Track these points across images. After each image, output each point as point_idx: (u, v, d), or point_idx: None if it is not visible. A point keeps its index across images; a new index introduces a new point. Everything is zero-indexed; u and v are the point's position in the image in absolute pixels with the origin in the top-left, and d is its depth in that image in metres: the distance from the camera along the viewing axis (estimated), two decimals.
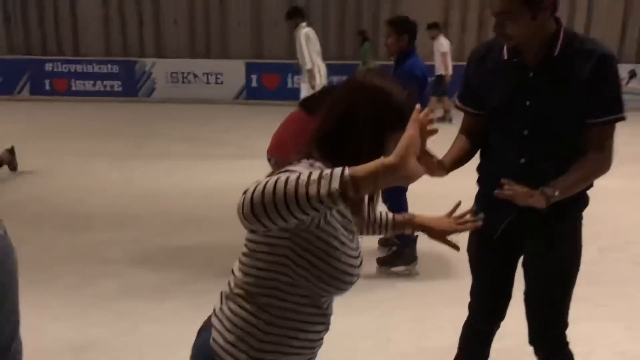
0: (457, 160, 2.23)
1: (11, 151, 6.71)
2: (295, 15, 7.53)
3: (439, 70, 10.51)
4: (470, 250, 2.42)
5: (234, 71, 12.99)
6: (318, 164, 1.38)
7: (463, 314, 2.93)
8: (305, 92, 7.29)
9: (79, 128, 10.02)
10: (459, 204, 1.88)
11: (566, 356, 2.32)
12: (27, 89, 13.43)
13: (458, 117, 2.41)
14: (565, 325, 2.29)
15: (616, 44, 12.63)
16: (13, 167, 6.77)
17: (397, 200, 4.15)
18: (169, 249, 4.72)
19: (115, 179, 6.84)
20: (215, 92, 12.91)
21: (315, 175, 1.13)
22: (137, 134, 9.60)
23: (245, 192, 1.18)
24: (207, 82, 13.24)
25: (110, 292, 3.96)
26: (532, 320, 2.31)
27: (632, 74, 12.44)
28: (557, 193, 1.98)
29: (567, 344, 2.31)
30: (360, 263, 1.49)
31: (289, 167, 1.35)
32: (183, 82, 13.36)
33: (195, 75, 13.28)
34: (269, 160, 4.25)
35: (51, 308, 3.74)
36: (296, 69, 8.69)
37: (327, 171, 1.14)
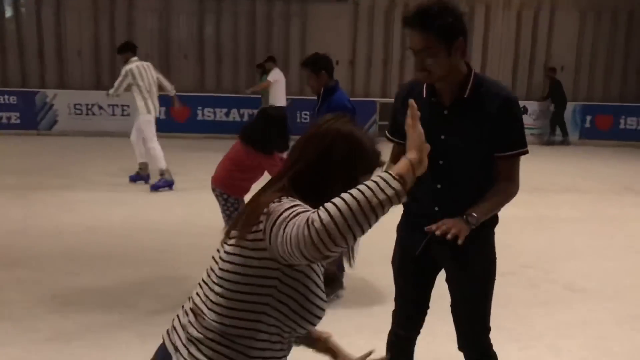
0: None
1: None
2: (126, 50, 7.89)
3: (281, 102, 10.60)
4: (393, 263, 2.67)
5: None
6: (297, 201, 1.44)
7: (373, 342, 2.98)
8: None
9: None
10: (370, 352, 1.88)
11: (492, 357, 2.59)
12: None
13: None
14: (487, 329, 2.56)
15: (508, 82, 13.60)
16: None
17: None
18: (70, 288, 4.50)
19: (13, 216, 6.46)
20: (122, 124, 12.55)
21: (372, 185, 1.29)
22: (38, 167, 9.15)
23: (307, 225, 1.25)
24: (113, 114, 12.86)
25: (3, 337, 3.71)
26: (459, 328, 2.58)
27: (524, 110, 13.37)
28: (477, 218, 2.25)
29: (491, 346, 2.58)
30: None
31: (281, 206, 1.40)
32: (87, 114, 12.91)
33: (100, 107, 12.88)
34: (214, 190, 4.31)
35: None
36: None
37: (377, 179, 1.31)
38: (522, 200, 7.16)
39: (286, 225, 1.31)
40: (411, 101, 1.49)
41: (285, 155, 4.35)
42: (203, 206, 5.78)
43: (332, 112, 4.37)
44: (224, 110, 13.24)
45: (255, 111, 10.02)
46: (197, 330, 1.48)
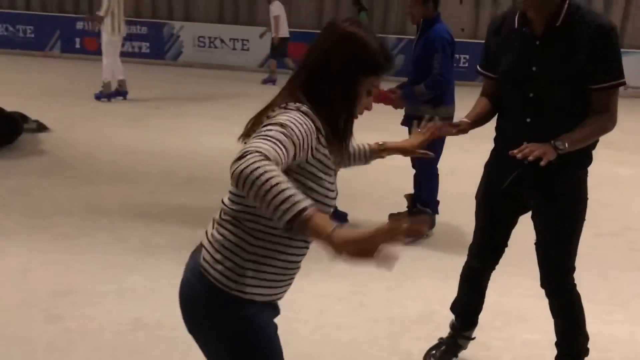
0: (479, 118, 2.48)
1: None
2: None
3: (285, 32, 10.91)
4: (477, 197, 2.68)
5: (260, 39, 12.97)
6: (305, 107, 1.49)
7: (440, 285, 2.96)
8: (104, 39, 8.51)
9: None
10: (417, 123, 2.17)
11: (573, 296, 2.58)
12: (58, 47, 13.67)
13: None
14: (572, 268, 2.53)
15: None
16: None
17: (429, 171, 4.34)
18: (166, 206, 4.83)
19: (126, 137, 6.98)
20: (241, 58, 12.93)
21: (283, 195, 1.23)
22: (158, 95, 9.73)
23: (237, 161, 1.29)
24: (234, 49, 13.27)
25: (100, 243, 4.08)
26: (542, 264, 2.56)
27: None
28: (566, 145, 2.18)
29: (574, 286, 2.56)
30: (336, 195, 1.63)
31: (279, 115, 1.46)
32: (210, 47, 13.42)
33: (222, 41, 13.32)
34: None
35: (43, 253, 3.89)
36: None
37: (294, 197, 1.24)
38: (633, 159, 6.68)
39: (249, 141, 1.37)
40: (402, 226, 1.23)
41: None
42: None
43: (430, 44, 4.23)
44: None
45: None
46: (219, 216, 1.61)
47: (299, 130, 1.42)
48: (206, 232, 1.64)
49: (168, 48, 13.57)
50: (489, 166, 2.62)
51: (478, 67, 2.61)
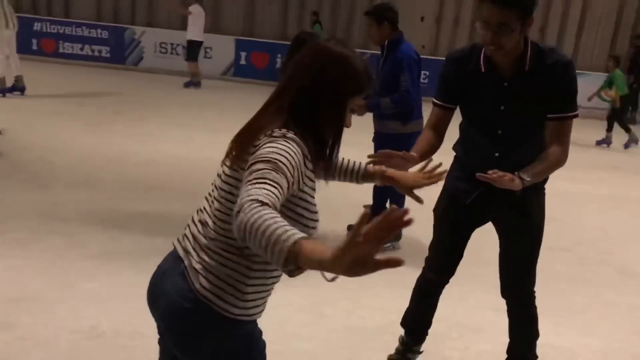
0: (424, 153, 2.45)
1: None
2: None
3: (195, 36, 11.17)
4: (437, 209, 2.76)
5: (223, 47, 12.95)
6: (290, 134, 1.49)
7: (398, 296, 2.99)
8: None
9: (60, 90, 9.99)
10: (429, 160, 2.08)
11: (533, 308, 2.70)
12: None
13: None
14: (533, 280, 2.66)
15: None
16: None
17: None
18: (125, 213, 4.76)
19: (84, 142, 6.85)
20: (204, 66, 12.87)
21: (271, 244, 1.19)
22: (117, 100, 9.59)
23: (238, 214, 1.27)
24: None
25: (56, 249, 4.00)
26: (506, 275, 2.68)
27: None
28: (529, 179, 2.31)
29: (534, 297, 2.69)
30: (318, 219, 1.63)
31: (267, 147, 1.44)
32: (171, 53, 13.32)
33: (184, 47, 13.23)
34: None
35: None
36: None
37: (280, 243, 1.18)
38: (593, 177, 6.94)
39: (250, 179, 1.36)
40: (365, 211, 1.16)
41: None
42: None
43: (398, 64, 4.34)
44: None
45: None
46: (205, 239, 1.57)
47: (290, 165, 1.42)
48: (188, 253, 1.59)
49: (129, 53, 13.40)
50: (450, 179, 2.67)
51: (434, 99, 2.61)
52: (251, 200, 1.27)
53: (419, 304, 2.89)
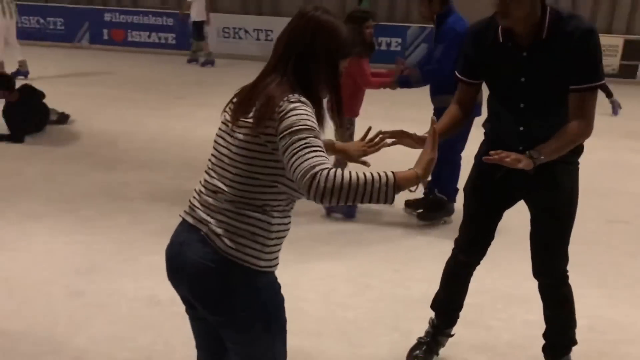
0: (446, 130, 2.47)
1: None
2: None
3: (197, 17, 11.63)
4: (467, 187, 2.69)
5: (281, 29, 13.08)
6: (303, 98, 1.64)
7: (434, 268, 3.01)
8: None
9: (128, 77, 10.44)
10: (369, 129, 2.17)
11: (566, 286, 2.60)
12: (87, 38, 13.99)
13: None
14: (567, 259, 2.55)
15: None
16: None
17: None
18: (184, 192, 4.98)
19: (149, 126, 7.17)
20: (265, 49, 13.04)
21: (376, 183, 1.53)
22: (181, 85, 9.93)
23: (312, 178, 1.49)
24: (257, 39, 13.41)
25: (120, 225, 4.28)
26: (536, 255, 2.58)
27: None
28: (542, 157, 2.19)
29: (567, 276, 2.58)
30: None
31: (295, 114, 1.59)
32: (234, 37, 13.57)
33: (246, 31, 13.47)
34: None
35: (66, 235, 4.10)
36: None
37: (383, 181, 1.54)
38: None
39: (296, 159, 1.53)
40: (433, 119, 1.75)
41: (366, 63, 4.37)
42: None
43: (442, 38, 4.31)
44: None
45: None
46: (223, 203, 1.69)
47: (315, 124, 1.61)
48: (203, 221, 1.71)
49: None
50: (480, 158, 2.56)
51: (457, 73, 2.57)
52: (321, 169, 1.50)
53: (449, 287, 2.82)
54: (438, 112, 4.41)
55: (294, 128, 1.56)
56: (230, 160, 1.70)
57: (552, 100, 2.34)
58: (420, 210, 4.57)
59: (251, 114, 1.67)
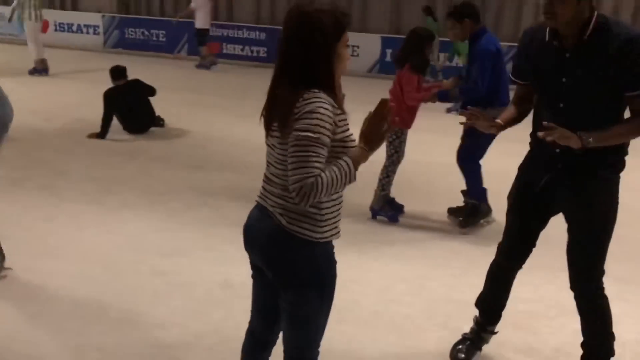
0: (509, 121, 2.71)
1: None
2: None
3: (202, 25, 12.50)
4: (510, 197, 2.82)
5: (370, 45, 13.41)
6: (316, 92, 1.85)
7: (465, 269, 3.15)
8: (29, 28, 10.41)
9: (222, 86, 11.11)
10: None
11: (602, 299, 2.66)
12: (186, 50, 14.92)
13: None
14: (602, 272, 2.61)
15: None
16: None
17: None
18: None
19: (236, 131, 7.66)
20: (351, 64, 13.43)
21: (344, 172, 1.88)
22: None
23: (300, 191, 1.83)
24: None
25: (203, 218, 4.71)
26: (573, 267, 2.65)
27: None
28: (591, 139, 2.30)
29: (603, 289, 2.64)
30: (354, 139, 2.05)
31: (304, 120, 1.84)
32: None
33: None
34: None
35: (156, 222, 4.58)
36: None
37: (346, 169, 1.88)
38: None
39: (293, 162, 1.84)
40: (384, 100, 1.93)
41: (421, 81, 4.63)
42: None
43: (476, 58, 4.55)
44: None
45: None
46: (277, 190, 2.00)
47: (326, 122, 1.84)
48: (269, 203, 2.03)
49: None
50: (524, 168, 2.75)
51: (510, 75, 2.79)
52: (305, 183, 1.81)
53: (491, 287, 2.96)
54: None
55: (302, 133, 1.81)
56: (273, 158, 2.00)
57: (591, 103, 2.41)
58: (460, 219, 4.79)
59: (275, 124, 1.94)
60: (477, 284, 3.78)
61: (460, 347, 3.01)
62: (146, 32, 15.14)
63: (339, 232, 2.06)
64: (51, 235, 4.26)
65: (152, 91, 7.25)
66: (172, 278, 3.70)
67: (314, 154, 1.82)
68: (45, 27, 10.86)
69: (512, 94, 2.93)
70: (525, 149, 2.80)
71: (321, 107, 1.84)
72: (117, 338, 3.07)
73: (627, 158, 2.57)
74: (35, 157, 6.03)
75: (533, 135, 2.74)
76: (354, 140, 1.98)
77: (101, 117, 6.76)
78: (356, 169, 1.91)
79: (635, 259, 4.07)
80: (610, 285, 2.70)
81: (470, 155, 4.64)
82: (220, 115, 8.59)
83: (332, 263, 2.06)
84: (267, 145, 2.06)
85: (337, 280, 2.09)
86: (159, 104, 7.91)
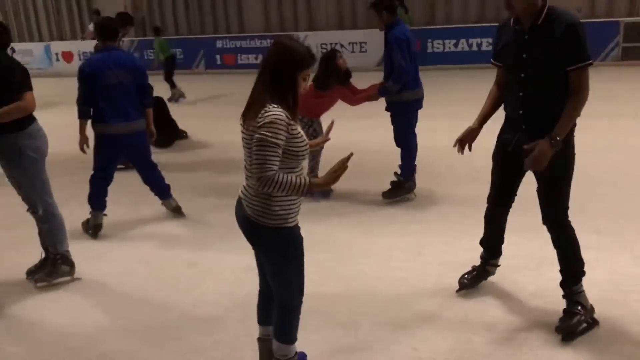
0: (486, 115, 3.40)
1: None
2: None
3: None
4: (492, 156, 3.45)
5: (376, 40, 13.90)
6: (275, 106, 2.41)
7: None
8: None
9: (240, 96, 11.68)
10: (331, 123, 2.97)
11: (568, 229, 3.23)
12: (203, 64, 15.65)
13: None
14: (566, 207, 3.20)
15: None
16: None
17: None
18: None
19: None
20: (360, 60, 13.96)
21: (299, 185, 2.41)
22: None
23: (260, 179, 2.38)
24: (352, 51, 14.33)
25: (227, 217, 5.10)
26: (543, 206, 3.24)
27: None
28: (558, 137, 2.94)
29: (569, 221, 3.22)
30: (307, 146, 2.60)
31: (264, 126, 2.38)
32: None
33: (342, 46, 14.45)
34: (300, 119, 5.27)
35: (187, 221, 5.20)
36: None
37: (303, 185, 2.42)
38: None
39: (256, 157, 2.37)
40: (345, 159, 2.48)
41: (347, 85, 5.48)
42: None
43: (390, 45, 5.23)
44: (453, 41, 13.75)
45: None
46: (248, 182, 2.58)
47: (280, 128, 2.38)
48: (244, 194, 2.62)
49: None
50: (500, 133, 3.39)
51: (491, 59, 3.40)
52: (265, 174, 2.35)
53: (489, 228, 3.63)
54: (388, 106, 5.37)
55: (262, 140, 2.36)
56: (246, 154, 2.55)
57: (545, 74, 3.04)
58: (384, 191, 5.44)
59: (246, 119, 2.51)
60: (466, 246, 4.26)
61: (467, 276, 3.71)
62: None
63: (295, 222, 2.63)
64: (97, 242, 4.93)
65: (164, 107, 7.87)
66: (203, 267, 4.32)
67: (272, 154, 2.38)
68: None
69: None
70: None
71: (278, 118, 2.40)
72: (161, 317, 3.68)
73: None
74: (78, 179, 6.74)
75: (504, 102, 3.38)
76: (305, 142, 2.53)
77: None
78: (311, 189, 2.44)
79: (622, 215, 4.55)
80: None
81: (404, 135, 5.33)
82: (235, 122, 9.19)
83: (294, 240, 2.64)
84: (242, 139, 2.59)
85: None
86: (185, 118, 8.60)
